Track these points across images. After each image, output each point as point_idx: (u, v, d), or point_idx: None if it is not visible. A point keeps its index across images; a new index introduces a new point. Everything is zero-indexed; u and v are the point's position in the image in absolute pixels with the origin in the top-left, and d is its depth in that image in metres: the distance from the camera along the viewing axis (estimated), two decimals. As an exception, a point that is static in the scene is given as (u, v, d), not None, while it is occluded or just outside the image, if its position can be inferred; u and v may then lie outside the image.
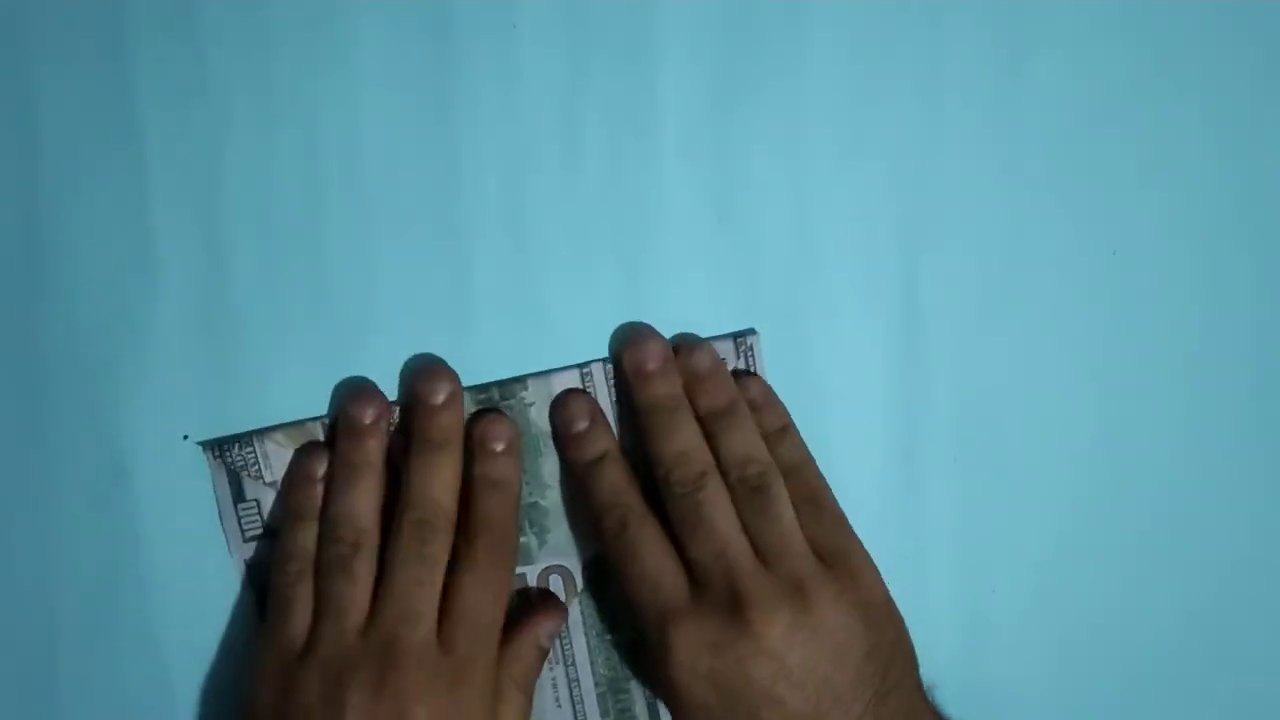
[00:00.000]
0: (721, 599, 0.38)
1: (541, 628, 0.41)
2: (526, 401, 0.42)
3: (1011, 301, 0.44)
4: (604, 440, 0.42)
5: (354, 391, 0.42)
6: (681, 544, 0.39)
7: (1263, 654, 0.45)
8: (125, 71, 0.41)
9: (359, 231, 0.42)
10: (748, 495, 0.40)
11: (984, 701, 0.43)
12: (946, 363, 0.43)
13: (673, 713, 0.40)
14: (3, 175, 0.41)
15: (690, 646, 0.38)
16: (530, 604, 0.42)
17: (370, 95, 0.41)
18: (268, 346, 0.42)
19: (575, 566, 0.42)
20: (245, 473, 0.41)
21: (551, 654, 0.42)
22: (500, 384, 0.42)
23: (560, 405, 0.42)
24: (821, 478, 0.42)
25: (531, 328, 0.42)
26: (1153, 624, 0.44)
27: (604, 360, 0.42)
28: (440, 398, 0.41)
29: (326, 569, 0.40)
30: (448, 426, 0.41)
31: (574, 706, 0.42)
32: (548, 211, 0.42)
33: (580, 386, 0.42)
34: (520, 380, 0.42)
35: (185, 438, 0.41)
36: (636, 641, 0.42)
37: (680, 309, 0.43)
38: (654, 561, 0.39)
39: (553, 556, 0.42)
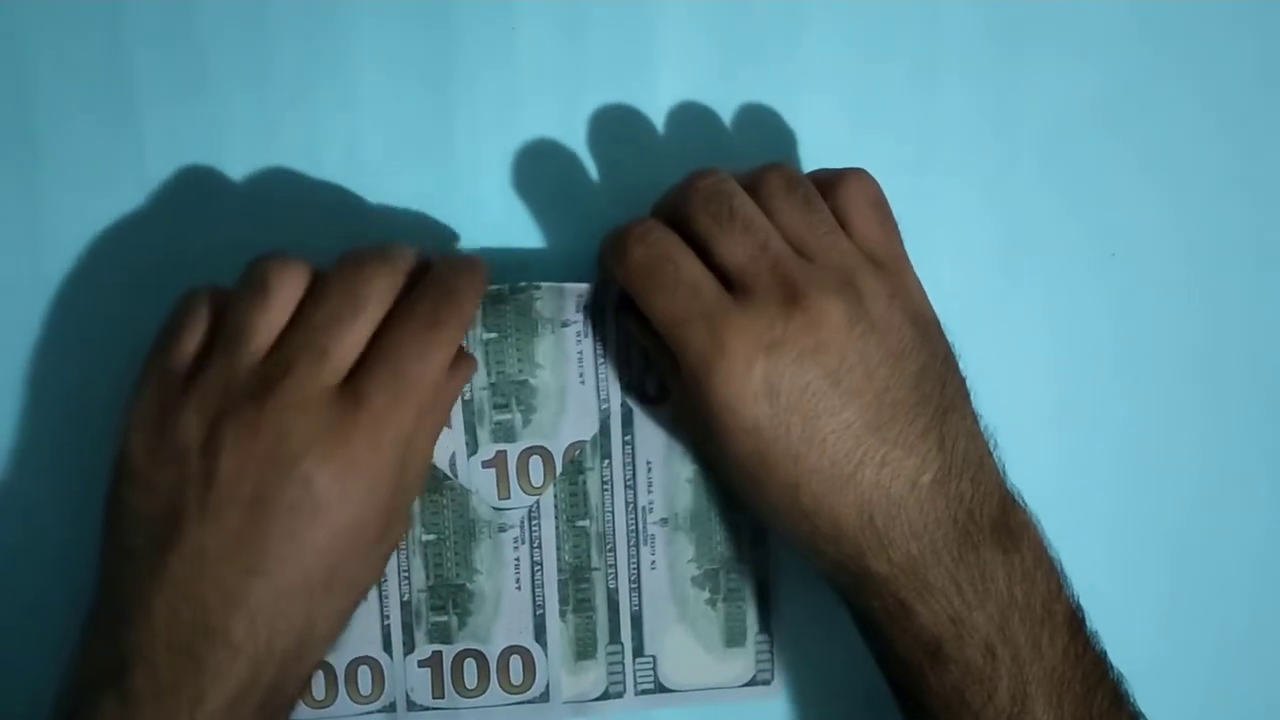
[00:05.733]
0: (772, 292, 0.34)
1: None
2: (535, 298, 0.40)
3: (1010, 303, 0.44)
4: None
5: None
6: (712, 250, 0.35)
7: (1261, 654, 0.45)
8: (124, 71, 0.41)
9: (358, 233, 0.41)
10: (783, 194, 0.36)
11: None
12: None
13: (719, 452, 0.36)
14: (2, 179, 0.41)
15: (746, 346, 0.34)
16: None
17: (369, 95, 0.41)
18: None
19: (557, 449, 0.41)
20: None
21: (517, 534, 0.41)
22: (512, 284, 0.40)
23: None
24: (880, 189, 0.38)
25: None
26: (1152, 627, 0.44)
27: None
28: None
29: (236, 293, 0.35)
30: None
31: (533, 590, 0.41)
32: (547, 211, 0.42)
33: (589, 296, 0.40)
34: (534, 284, 0.40)
35: None
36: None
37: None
38: (689, 266, 0.35)
39: (536, 437, 0.41)
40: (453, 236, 0.42)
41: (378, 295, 0.35)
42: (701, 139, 0.43)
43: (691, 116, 0.43)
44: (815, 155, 0.43)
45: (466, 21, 0.41)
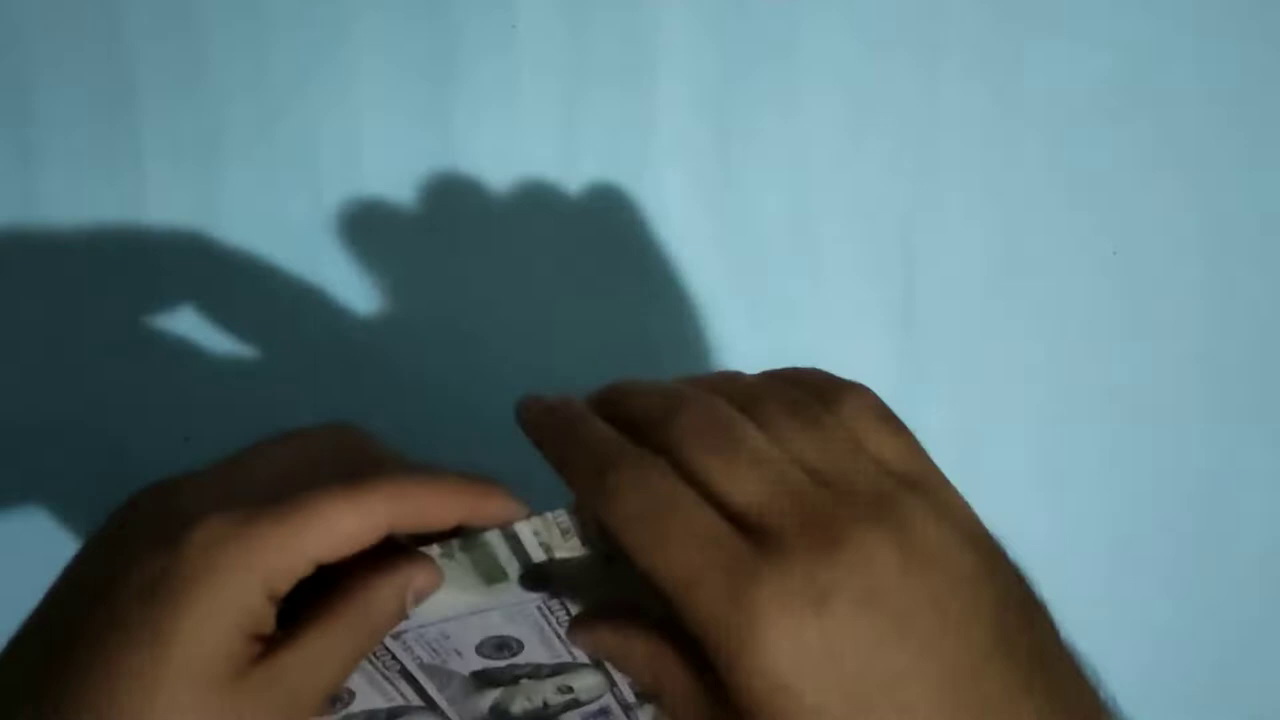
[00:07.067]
0: (802, 534, 0.27)
1: (411, 578, 0.30)
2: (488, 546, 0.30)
3: (1011, 303, 0.44)
4: (576, 404, 0.31)
5: None
6: (714, 491, 0.28)
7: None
8: (123, 68, 0.41)
9: (358, 239, 0.42)
10: (785, 417, 0.29)
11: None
12: (946, 363, 0.42)
13: None
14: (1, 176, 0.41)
15: (787, 609, 0.26)
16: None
17: (368, 96, 0.41)
18: (265, 350, 0.42)
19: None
20: None
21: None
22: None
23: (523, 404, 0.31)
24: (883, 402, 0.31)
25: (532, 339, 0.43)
26: (1149, 631, 0.44)
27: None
28: None
29: None
30: None
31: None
32: (548, 211, 0.42)
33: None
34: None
35: (187, 439, 0.42)
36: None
37: (686, 310, 0.43)
38: (695, 510, 0.27)
39: None
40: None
41: None
42: (702, 138, 0.43)
43: (692, 108, 0.43)
44: (816, 144, 0.43)
45: (465, 20, 0.42)
